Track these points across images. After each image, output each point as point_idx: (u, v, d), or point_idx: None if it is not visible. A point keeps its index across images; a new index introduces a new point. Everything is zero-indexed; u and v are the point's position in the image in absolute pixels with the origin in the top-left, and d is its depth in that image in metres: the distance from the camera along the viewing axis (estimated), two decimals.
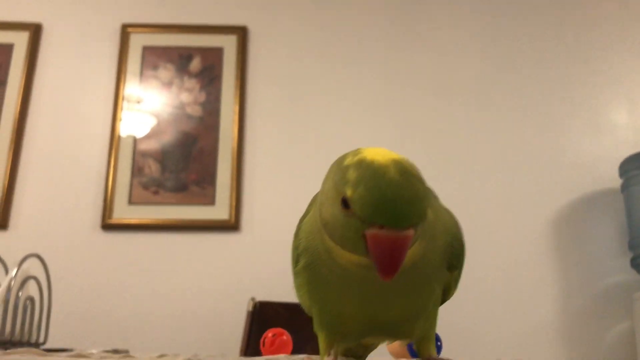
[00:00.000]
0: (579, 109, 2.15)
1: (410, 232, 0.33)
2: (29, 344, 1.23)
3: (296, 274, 0.43)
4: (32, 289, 1.30)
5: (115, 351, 1.22)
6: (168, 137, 2.11)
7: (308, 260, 0.40)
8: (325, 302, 0.40)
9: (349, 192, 0.34)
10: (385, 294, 0.39)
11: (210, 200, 2.04)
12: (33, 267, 1.33)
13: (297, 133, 2.13)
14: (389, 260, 0.33)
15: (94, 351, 1.18)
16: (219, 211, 2.02)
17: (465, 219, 2.14)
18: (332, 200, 0.35)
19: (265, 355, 0.91)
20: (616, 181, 1.96)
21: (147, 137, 2.11)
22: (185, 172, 2.07)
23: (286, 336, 0.92)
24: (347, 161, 0.36)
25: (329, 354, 0.40)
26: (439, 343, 0.69)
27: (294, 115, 2.16)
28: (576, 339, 1.91)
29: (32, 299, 1.29)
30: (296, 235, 0.44)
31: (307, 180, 2.07)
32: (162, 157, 2.09)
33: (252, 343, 1.66)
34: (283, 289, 1.91)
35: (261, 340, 0.92)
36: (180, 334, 1.90)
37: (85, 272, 1.96)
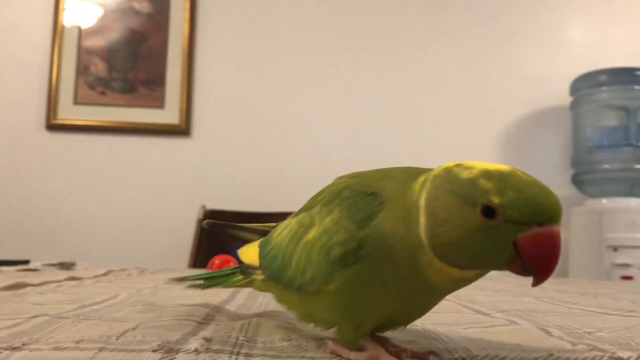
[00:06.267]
0: (535, 23, 2.12)
1: (560, 227, 0.32)
2: None
3: (343, 265, 0.37)
4: None
5: (61, 264, 1.22)
6: (114, 34, 2.00)
7: (374, 261, 0.36)
8: (363, 301, 0.38)
9: (496, 199, 0.31)
10: (428, 299, 0.37)
11: (160, 103, 1.97)
12: None
13: (253, 34, 2.05)
14: (549, 260, 0.31)
15: (38, 264, 1.18)
16: (169, 115, 1.97)
17: (418, 130, 2.12)
18: (459, 219, 0.32)
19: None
20: (567, 99, 1.99)
21: (92, 32, 1.99)
22: (133, 72, 1.99)
23: (233, 263, 0.94)
24: (465, 175, 0.32)
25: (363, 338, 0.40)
26: None
27: (250, 14, 2.06)
28: None
29: None
30: (358, 222, 0.37)
31: (263, 84, 2.02)
32: (109, 55, 1.99)
33: (202, 251, 1.68)
34: (234, 196, 1.93)
35: (208, 265, 0.93)
36: (127, 242, 1.90)
37: (28, 175, 1.91)
